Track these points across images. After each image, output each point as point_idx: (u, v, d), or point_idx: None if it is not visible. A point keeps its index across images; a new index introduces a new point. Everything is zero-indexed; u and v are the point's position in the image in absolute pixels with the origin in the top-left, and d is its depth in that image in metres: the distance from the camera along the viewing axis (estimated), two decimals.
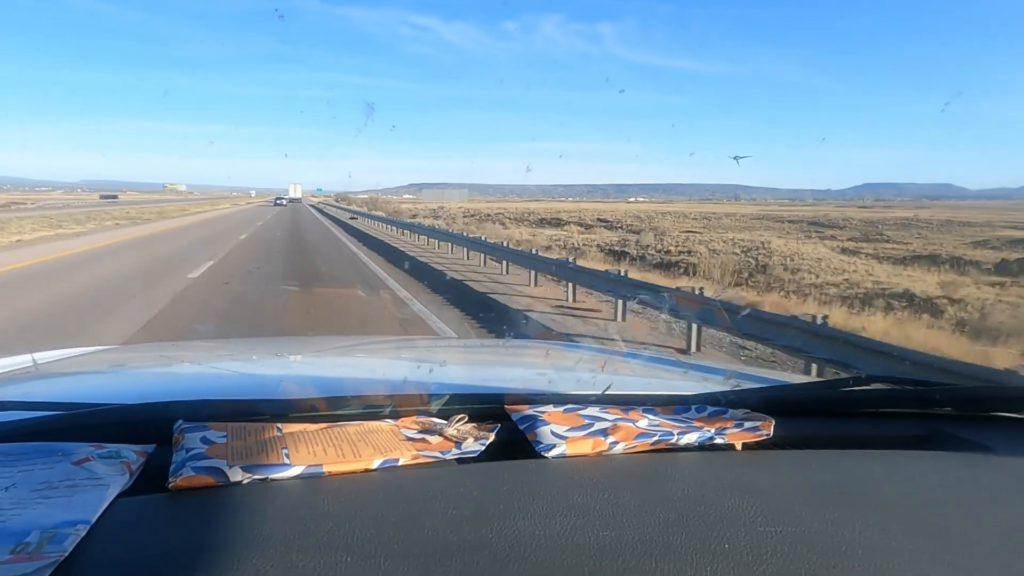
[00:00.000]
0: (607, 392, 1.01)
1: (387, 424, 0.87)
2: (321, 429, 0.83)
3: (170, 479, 0.68)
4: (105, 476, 0.67)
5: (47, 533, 0.56)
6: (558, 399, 0.96)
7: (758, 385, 1.25)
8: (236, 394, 1.02)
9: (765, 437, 0.87)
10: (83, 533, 0.58)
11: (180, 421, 0.80)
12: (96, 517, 0.60)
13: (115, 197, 64.19)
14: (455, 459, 0.79)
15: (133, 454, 0.74)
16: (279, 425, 0.82)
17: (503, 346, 2.56)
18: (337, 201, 77.04)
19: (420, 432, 0.85)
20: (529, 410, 0.91)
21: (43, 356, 1.65)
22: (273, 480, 0.70)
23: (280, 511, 0.64)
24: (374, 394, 0.95)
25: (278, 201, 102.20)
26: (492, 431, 0.86)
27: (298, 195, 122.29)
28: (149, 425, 0.81)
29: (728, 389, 1.10)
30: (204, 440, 0.75)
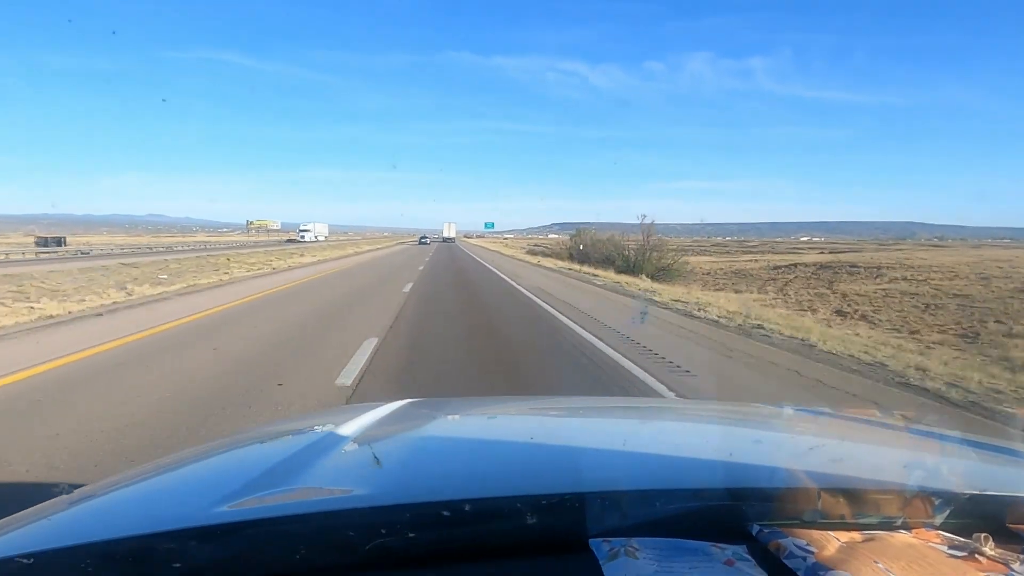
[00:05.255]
0: None
1: (915, 539, 0.89)
2: (866, 540, 0.87)
3: None
4: None
5: None
6: None
7: None
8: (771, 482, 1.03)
9: None
10: None
11: (755, 525, 0.89)
12: None
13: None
14: None
15: (748, 556, 0.83)
16: (833, 534, 0.88)
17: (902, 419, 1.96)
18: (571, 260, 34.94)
19: (951, 548, 0.87)
20: None
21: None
22: None
23: None
24: (883, 497, 0.96)
25: (422, 241, 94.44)
26: None
27: (452, 234, 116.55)
28: (718, 523, 0.90)
29: None
30: (800, 548, 0.83)
